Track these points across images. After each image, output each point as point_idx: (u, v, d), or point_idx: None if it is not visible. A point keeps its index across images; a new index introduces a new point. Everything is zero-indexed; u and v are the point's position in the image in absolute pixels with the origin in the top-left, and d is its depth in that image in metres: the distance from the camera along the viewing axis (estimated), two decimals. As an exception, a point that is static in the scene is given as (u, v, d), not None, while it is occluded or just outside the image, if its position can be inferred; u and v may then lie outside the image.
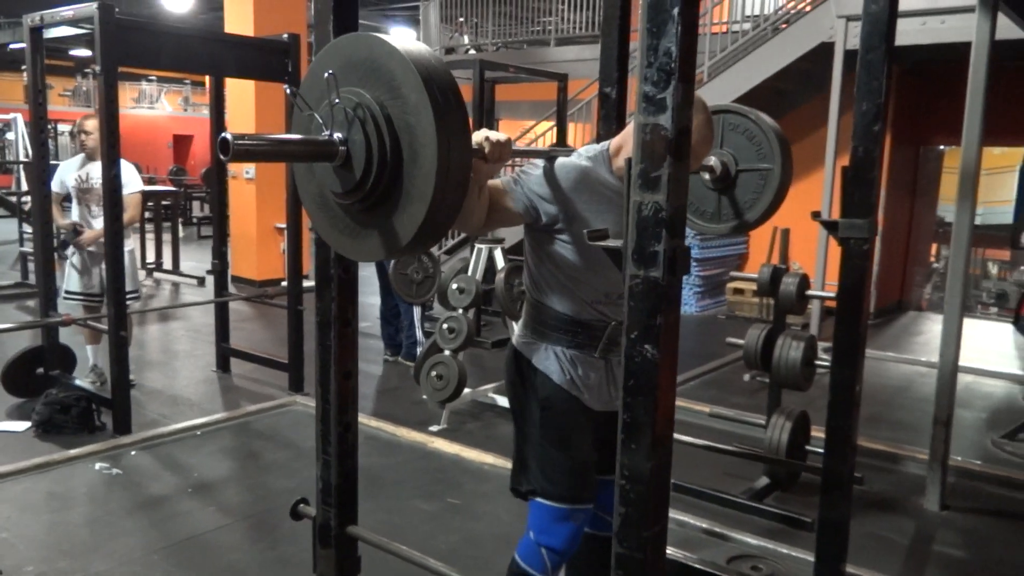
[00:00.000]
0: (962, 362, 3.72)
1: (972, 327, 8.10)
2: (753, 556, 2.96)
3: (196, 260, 10.09)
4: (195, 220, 14.60)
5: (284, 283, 8.61)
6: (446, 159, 1.29)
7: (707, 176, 2.42)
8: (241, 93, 8.43)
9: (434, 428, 4.40)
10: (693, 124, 1.31)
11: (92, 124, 4.64)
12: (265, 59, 4.76)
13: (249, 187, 8.76)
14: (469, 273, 4.67)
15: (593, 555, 2.23)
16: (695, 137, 1.67)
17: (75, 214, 4.78)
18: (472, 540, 3.15)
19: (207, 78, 5.67)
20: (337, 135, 1.36)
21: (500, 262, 4.70)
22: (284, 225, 8.74)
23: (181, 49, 4.39)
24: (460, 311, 4.49)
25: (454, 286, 4.55)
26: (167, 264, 9.56)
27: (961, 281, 3.65)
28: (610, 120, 2.58)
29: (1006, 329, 8.20)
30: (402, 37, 1.43)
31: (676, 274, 1.28)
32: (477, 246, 4.96)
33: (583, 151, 2.01)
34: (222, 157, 1.24)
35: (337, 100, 1.34)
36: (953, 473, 3.78)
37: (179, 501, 3.41)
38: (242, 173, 8.70)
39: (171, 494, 3.47)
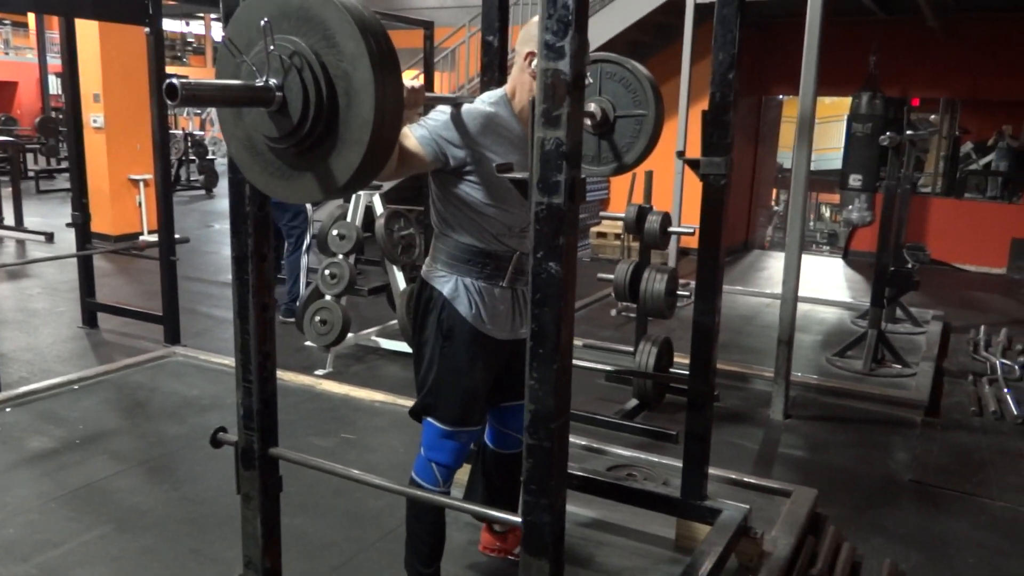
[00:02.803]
0: (801, 293, 4.19)
1: (810, 263, 8.91)
2: (628, 465, 3.29)
3: (40, 215, 9.51)
4: (32, 174, 13.59)
5: (142, 237, 8.35)
6: (382, 106, 1.40)
7: (588, 122, 2.63)
8: (84, 38, 7.92)
9: (320, 372, 4.49)
10: None
11: None
12: (124, 0, 4.57)
13: (99, 137, 8.28)
14: (348, 219, 4.73)
15: (502, 468, 2.47)
16: None
17: None
18: (370, 470, 3.26)
19: (31, 18, 5.36)
20: (272, 81, 1.46)
21: (379, 208, 4.79)
22: (139, 176, 8.49)
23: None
24: (341, 256, 4.57)
25: (334, 232, 4.62)
26: (8, 220, 8.95)
27: (800, 220, 4.09)
28: (492, 67, 2.74)
29: (838, 264, 9.05)
30: None
31: (575, 201, 1.48)
32: (355, 192, 5.02)
33: (484, 98, 2.15)
34: (168, 101, 1.32)
35: (273, 48, 1.43)
36: (794, 387, 4.27)
37: (68, 452, 3.37)
38: (89, 122, 8.22)
39: (58, 447, 3.42)
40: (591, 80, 2.70)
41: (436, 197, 2.16)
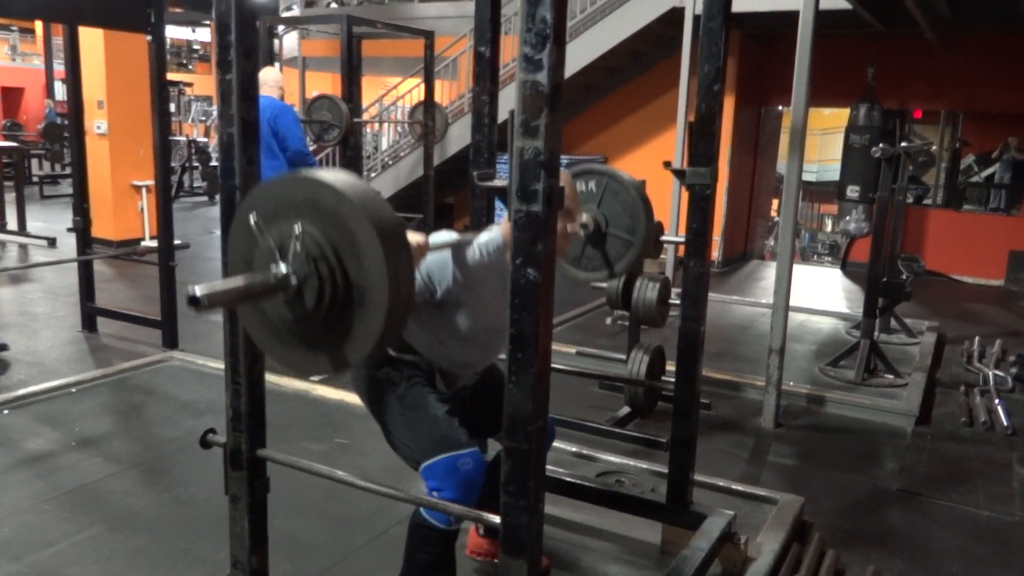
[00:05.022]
0: (797, 303, 4.23)
1: (809, 273, 8.96)
2: (617, 472, 3.32)
3: (42, 221, 9.57)
4: (36, 179, 13.68)
5: (144, 243, 8.41)
6: (397, 300, 1.48)
7: (582, 232, 2.76)
8: (89, 46, 8.01)
9: (315, 377, 4.52)
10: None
11: None
12: (127, 8, 4.62)
13: (102, 143, 8.35)
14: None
15: (495, 471, 2.47)
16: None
17: None
18: (362, 474, 3.30)
19: (38, 25, 5.44)
20: (285, 268, 1.53)
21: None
22: (141, 182, 8.55)
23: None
24: (338, 263, 4.61)
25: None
26: (11, 225, 9.02)
27: (791, 229, 4.13)
28: (485, 77, 2.80)
29: (836, 274, 9.08)
30: (342, 177, 1.55)
31: (552, 208, 1.52)
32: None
33: (484, 245, 2.20)
34: (191, 308, 1.40)
35: (298, 246, 1.51)
36: (786, 396, 4.30)
37: (63, 454, 3.41)
38: (93, 128, 8.29)
39: (54, 449, 3.46)
40: (594, 190, 2.85)
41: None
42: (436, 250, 2.13)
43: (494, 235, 2.24)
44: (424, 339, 2.26)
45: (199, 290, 1.38)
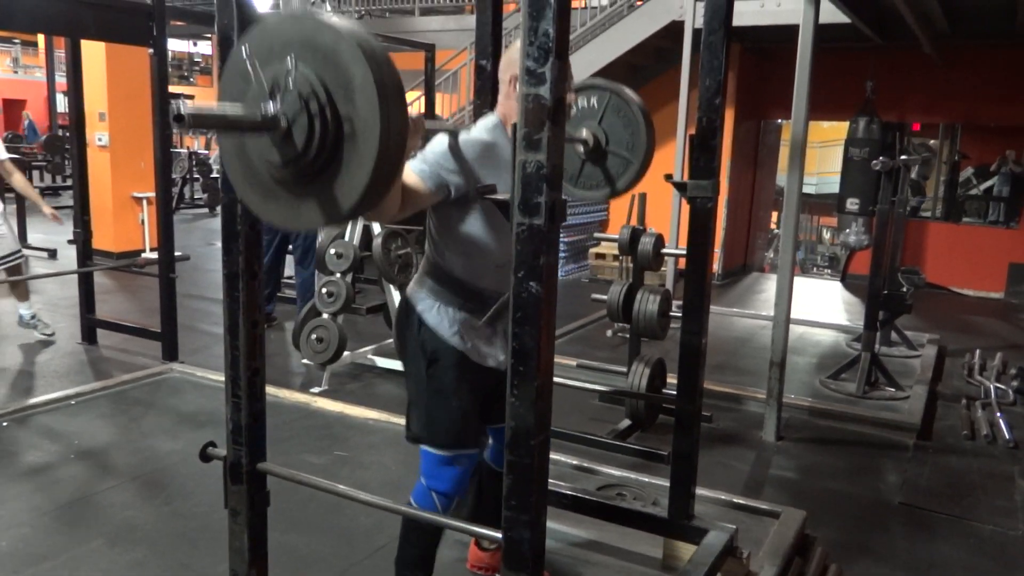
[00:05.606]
0: (798, 316, 4.22)
1: (809, 286, 8.96)
2: (618, 485, 3.31)
3: (43, 232, 9.55)
4: (38, 190, 13.68)
5: (144, 254, 8.41)
6: (387, 137, 1.42)
7: (580, 148, 2.70)
8: (90, 58, 8.03)
9: (316, 389, 4.52)
10: None
11: None
12: (129, 21, 4.64)
13: (103, 155, 8.38)
14: (346, 238, 4.78)
15: (496, 486, 2.45)
16: None
17: None
18: (362, 487, 3.28)
19: (40, 38, 5.49)
20: (278, 109, 1.47)
21: (377, 227, 4.83)
22: (142, 194, 8.56)
23: (36, 7, 4.22)
24: (338, 275, 4.61)
25: (332, 251, 4.67)
26: (12, 237, 9.01)
27: (792, 241, 4.13)
28: (485, 91, 2.80)
29: (836, 287, 9.08)
30: (339, 20, 1.50)
31: (555, 222, 1.51)
32: (353, 212, 5.06)
33: (481, 125, 2.15)
34: (175, 125, 1.37)
35: (292, 83, 1.45)
36: (787, 409, 4.29)
37: (62, 467, 3.40)
38: (94, 140, 8.31)
39: (53, 461, 3.45)
40: (596, 106, 2.77)
41: (433, 228, 2.18)
42: (435, 130, 2.08)
43: (489, 116, 2.21)
44: (459, 250, 2.15)
45: (185, 109, 1.36)
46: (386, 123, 1.43)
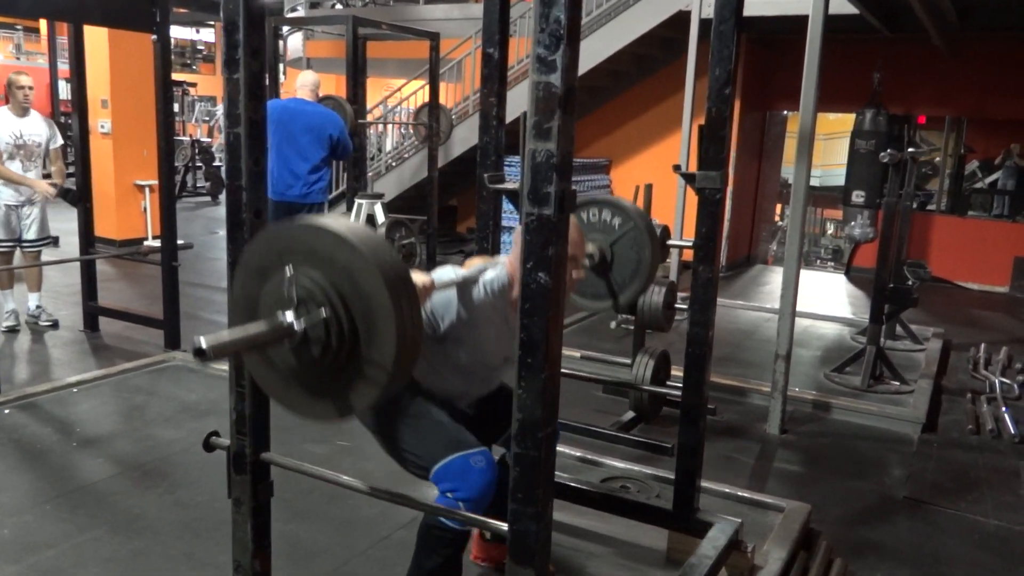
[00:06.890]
0: (801, 308, 4.19)
1: (812, 279, 8.92)
2: (623, 477, 3.30)
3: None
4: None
5: (147, 242, 8.39)
6: (405, 353, 1.47)
7: (587, 262, 2.80)
8: (93, 45, 7.99)
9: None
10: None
11: (28, 80, 5.10)
12: (132, 7, 4.61)
13: (105, 142, 8.34)
14: (349, 228, 4.76)
15: (504, 479, 2.45)
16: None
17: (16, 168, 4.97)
18: (364, 477, 3.27)
19: (42, 24, 5.51)
20: (290, 316, 1.50)
21: (380, 217, 4.82)
22: (145, 182, 8.54)
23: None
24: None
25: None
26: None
27: (799, 234, 4.10)
28: (493, 78, 2.77)
29: (840, 280, 9.05)
30: (350, 226, 1.53)
31: (564, 211, 1.49)
32: (357, 201, 5.05)
33: (489, 283, 2.17)
34: (197, 359, 1.38)
35: (300, 296, 1.49)
36: (792, 402, 4.26)
37: (64, 455, 3.39)
38: (97, 128, 8.28)
39: (55, 449, 3.44)
40: (609, 221, 2.97)
41: None
42: (442, 289, 2.10)
43: (499, 273, 2.20)
44: (422, 368, 2.21)
45: (204, 342, 1.36)
46: (401, 332, 1.46)
